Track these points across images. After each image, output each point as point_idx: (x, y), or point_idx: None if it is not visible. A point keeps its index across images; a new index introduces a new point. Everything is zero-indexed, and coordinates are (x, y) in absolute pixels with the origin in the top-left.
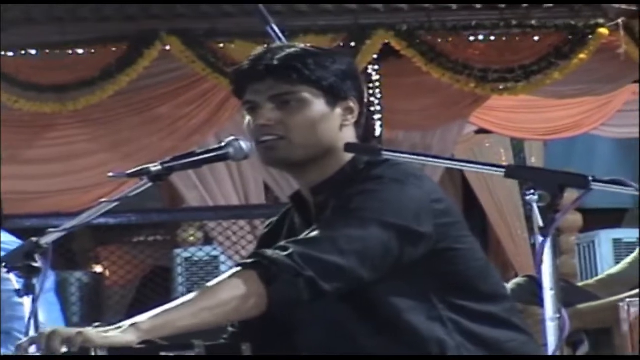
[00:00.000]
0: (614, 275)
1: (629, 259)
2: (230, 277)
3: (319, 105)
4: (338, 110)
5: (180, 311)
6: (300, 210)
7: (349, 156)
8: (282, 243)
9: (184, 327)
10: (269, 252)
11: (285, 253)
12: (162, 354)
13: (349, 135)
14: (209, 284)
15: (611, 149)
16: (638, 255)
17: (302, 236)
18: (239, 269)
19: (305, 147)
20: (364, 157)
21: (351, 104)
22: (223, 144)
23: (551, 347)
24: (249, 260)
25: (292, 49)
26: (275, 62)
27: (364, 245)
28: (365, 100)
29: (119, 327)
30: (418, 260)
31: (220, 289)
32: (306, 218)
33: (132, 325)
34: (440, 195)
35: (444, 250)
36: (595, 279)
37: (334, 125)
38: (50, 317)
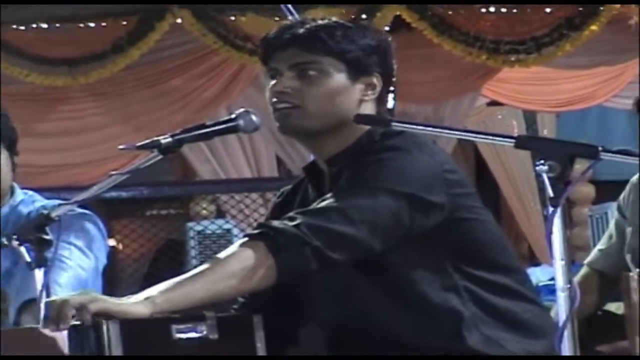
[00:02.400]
0: None
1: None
2: (238, 248)
3: (339, 77)
4: (359, 85)
5: (192, 284)
6: (314, 182)
7: (365, 128)
8: (291, 213)
9: (197, 300)
10: (276, 222)
11: (293, 223)
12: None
13: (368, 110)
14: (218, 256)
15: (625, 121)
16: None
17: (312, 206)
18: (246, 239)
19: (320, 118)
20: (379, 128)
21: (374, 80)
22: (233, 116)
23: (562, 318)
24: (256, 231)
25: (323, 21)
26: (301, 31)
27: (374, 214)
28: (394, 78)
29: (133, 299)
30: (432, 229)
31: (230, 261)
32: (320, 189)
33: (147, 298)
34: (453, 166)
35: (458, 220)
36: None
37: (353, 99)
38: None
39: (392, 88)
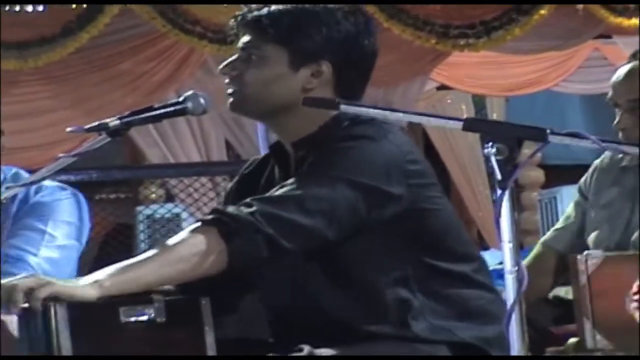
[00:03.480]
0: None
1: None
2: (190, 233)
3: (278, 64)
4: (302, 72)
5: (141, 268)
6: (280, 163)
7: (332, 113)
8: (247, 200)
9: (145, 284)
10: (231, 208)
11: (248, 210)
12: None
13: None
14: (169, 240)
15: (576, 105)
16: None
17: (269, 193)
18: (199, 225)
19: (258, 102)
20: (347, 114)
21: (322, 67)
22: (181, 99)
23: (509, 300)
24: (209, 217)
25: (279, 7)
26: (249, 17)
27: (331, 204)
28: (369, 61)
29: (79, 282)
30: (389, 220)
31: (180, 246)
32: (286, 171)
33: (95, 281)
34: (417, 156)
35: (417, 210)
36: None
37: (294, 86)
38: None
39: (365, 75)
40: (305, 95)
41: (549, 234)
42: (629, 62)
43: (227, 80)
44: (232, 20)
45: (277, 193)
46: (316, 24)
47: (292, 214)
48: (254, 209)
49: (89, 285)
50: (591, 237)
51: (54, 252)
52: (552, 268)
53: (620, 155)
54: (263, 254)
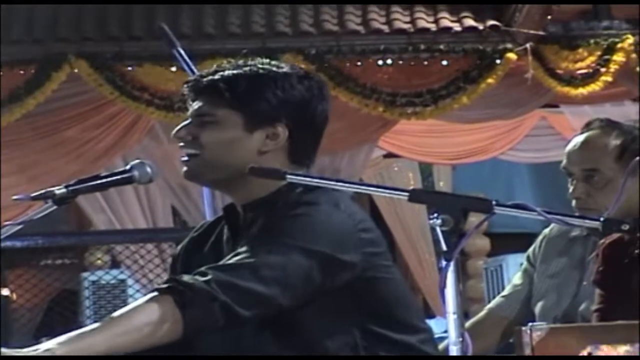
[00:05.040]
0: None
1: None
2: (145, 302)
3: (233, 128)
4: (257, 135)
5: (93, 337)
6: (230, 222)
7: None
8: (202, 268)
9: (98, 353)
10: (186, 277)
11: (203, 279)
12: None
13: (276, 160)
14: (124, 309)
15: (523, 174)
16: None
17: (224, 261)
18: (155, 294)
19: (218, 167)
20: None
21: (278, 130)
22: (128, 167)
23: None
24: (165, 285)
25: (233, 70)
26: (205, 83)
27: (285, 273)
28: (320, 125)
29: (32, 351)
30: (341, 287)
31: (134, 314)
32: (235, 231)
33: (46, 350)
34: (370, 224)
35: (368, 279)
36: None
37: (250, 148)
38: None
39: (316, 138)
40: (261, 157)
41: (495, 300)
42: (583, 132)
43: (181, 144)
44: (185, 85)
45: (231, 261)
46: (272, 87)
47: (248, 282)
48: (209, 277)
49: (39, 356)
50: (538, 306)
51: None
52: (496, 332)
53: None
54: (219, 323)
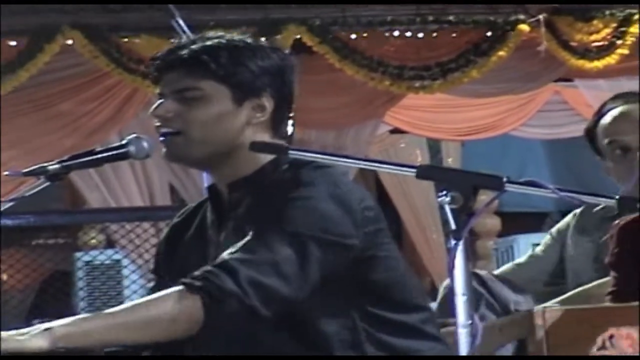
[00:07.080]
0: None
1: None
2: (168, 295)
3: (222, 101)
4: (246, 107)
5: (99, 322)
6: (214, 204)
7: (270, 156)
8: (227, 258)
9: (100, 340)
10: (216, 271)
11: (233, 279)
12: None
13: (259, 132)
14: (144, 299)
15: (536, 150)
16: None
17: (241, 250)
18: (181, 288)
19: (204, 144)
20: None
21: (264, 101)
22: (124, 142)
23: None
24: (197, 283)
25: (211, 41)
26: (184, 54)
27: (304, 269)
28: (293, 97)
29: (30, 331)
30: (342, 269)
31: (152, 306)
32: (219, 213)
33: (46, 329)
34: (370, 201)
35: (368, 258)
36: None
37: (239, 122)
38: None
39: (290, 111)
40: (247, 131)
41: (505, 266)
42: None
43: (158, 123)
44: (156, 59)
45: (249, 255)
46: (252, 57)
47: (271, 281)
48: (238, 275)
49: (39, 334)
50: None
51: None
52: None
53: (601, 207)
54: (239, 325)
